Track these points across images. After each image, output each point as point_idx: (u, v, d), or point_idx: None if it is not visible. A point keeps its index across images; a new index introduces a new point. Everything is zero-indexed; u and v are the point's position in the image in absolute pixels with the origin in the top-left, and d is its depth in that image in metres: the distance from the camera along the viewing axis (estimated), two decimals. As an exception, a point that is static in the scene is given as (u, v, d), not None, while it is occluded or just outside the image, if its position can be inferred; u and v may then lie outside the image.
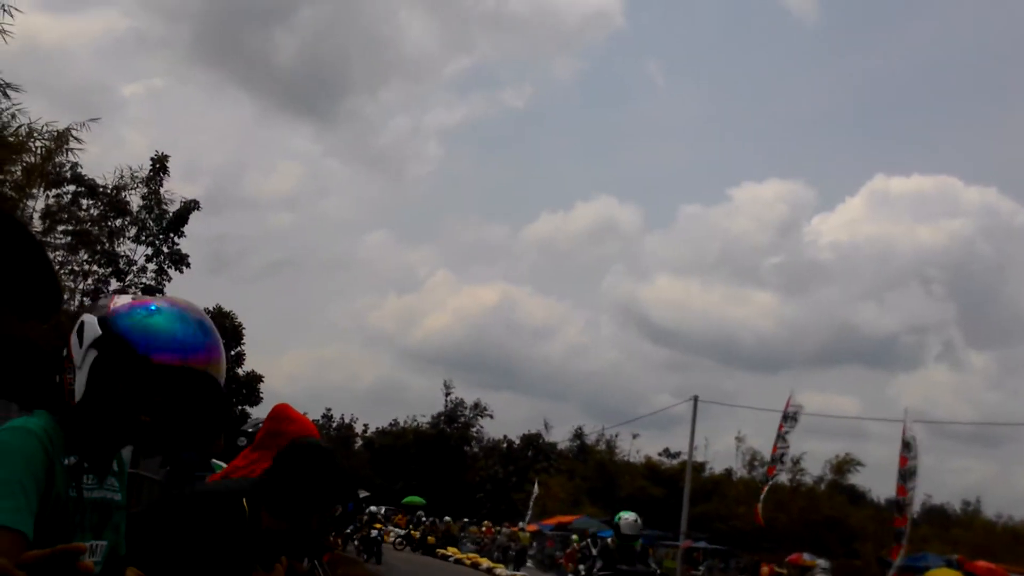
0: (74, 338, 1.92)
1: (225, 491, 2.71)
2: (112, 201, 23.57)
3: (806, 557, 30.57)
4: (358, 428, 73.26)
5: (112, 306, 1.96)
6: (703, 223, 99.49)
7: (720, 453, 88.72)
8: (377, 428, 73.59)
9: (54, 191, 21.42)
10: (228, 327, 23.59)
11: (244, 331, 25.49)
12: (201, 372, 1.94)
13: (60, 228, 22.57)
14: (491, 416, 69.49)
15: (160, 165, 24.38)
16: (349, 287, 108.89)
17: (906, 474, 22.81)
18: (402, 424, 72.42)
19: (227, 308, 25.06)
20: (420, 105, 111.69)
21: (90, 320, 1.92)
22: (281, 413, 4.74)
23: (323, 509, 2.92)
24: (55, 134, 16.92)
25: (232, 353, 26.74)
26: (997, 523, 51.62)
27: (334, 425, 71.45)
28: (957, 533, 47.75)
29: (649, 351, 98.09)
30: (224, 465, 5.24)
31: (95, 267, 23.51)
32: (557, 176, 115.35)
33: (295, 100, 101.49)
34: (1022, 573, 22.41)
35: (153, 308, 1.95)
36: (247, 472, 4.33)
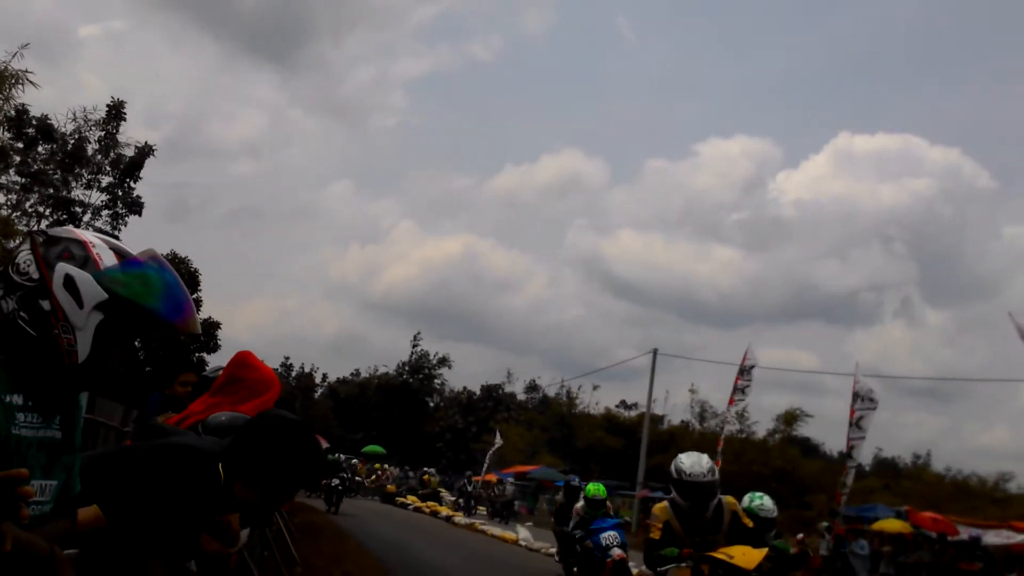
0: (65, 296, 1.92)
1: (204, 451, 2.64)
2: (66, 145, 23.06)
3: (759, 506, 31.05)
4: (318, 378, 73.12)
5: (93, 256, 1.95)
6: (668, 178, 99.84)
7: (678, 406, 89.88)
8: (338, 378, 73.57)
9: (6, 132, 20.88)
10: (184, 272, 23.27)
11: (201, 277, 25.16)
12: (190, 331, 2.10)
13: (12, 169, 22.07)
14: (449, 366, 69.77)
15: (116, 112, 23.82)
16: (311, 237, 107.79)
17: (853, 425, 23.46)
18: (364, 375, 72.52)
19: (183, 254, 24.68)
20: (386, 54, 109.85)
21: (84, 278, 1.92)
22: (243, 360, 4.68)
23: (300, 487, 2.86)
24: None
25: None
26: (945, 476, 53.13)
27: (293, 374, 71.21)
28: (907, 485, 49.03)
29: (611, 305, 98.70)
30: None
31: (48, 210, 23.02)
32: (523, 129, 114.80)
33: (258, 46, 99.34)
34: (967, 523, 23.15)
35: (144, 266, 1.99)
36: (203, 416, 4.26)
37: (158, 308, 2.00)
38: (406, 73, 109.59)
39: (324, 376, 73.50)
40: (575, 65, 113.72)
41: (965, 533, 18.14)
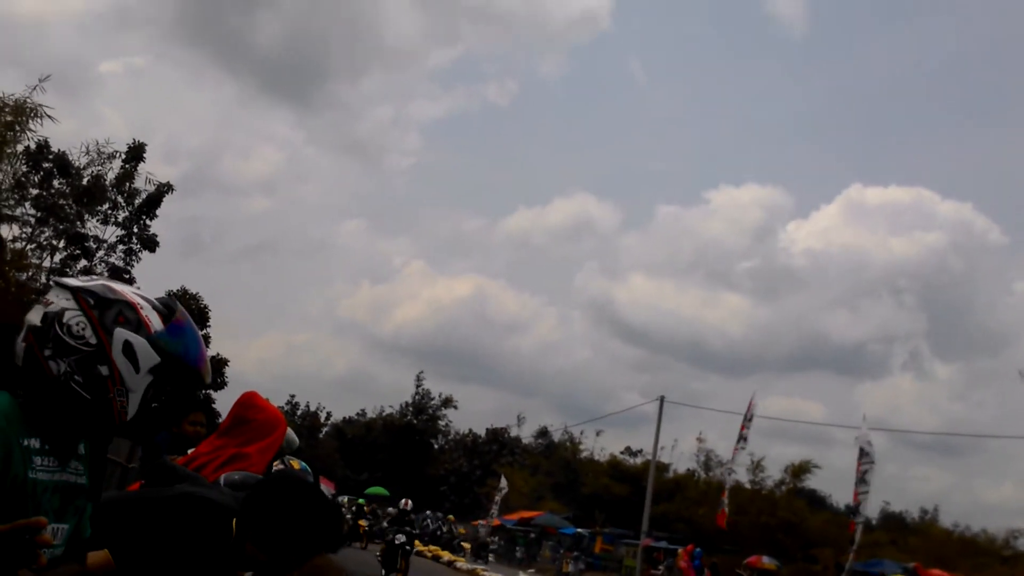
0: (123, 361, 2.00)
1: (221, 505, 2.62)
2: (81, 179, 23.36)
3: (765, 560, 30.86)
4: (324, 416, 72.96)
5: (144, 319, 2.05)
6: (679, 224, 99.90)
7: (685, 454, 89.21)
8: (344, 417, 73.37)
9: (23, 165, 21.19)
10: (194, 309, 23.39)
11: (210, 314, 25.32)
12: (207, 379, 2.23)
13: (28, 202, 22.34)
14: (455, 407, 69.57)
15: (136, 153, 24.19)
16: (323, 275, 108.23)
17: (859, 480, 23.30)
18: (370, 414, 72.34)
19: (193, 290, 24.90)
20: (402, 95, 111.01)
21: (141, 344, 2.02)
22: (248, 401, 4.70)
23: (310, 552, 2.83)
24: (15, 103, 16.73)
25: (199, 336, 26.67)
26: (953, 532, 52.43)
27: (299, 412, 71.07)
28: (913, 541, 48.40)
29: (620, 350, 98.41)
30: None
31: (61, 243, 23.27)
32: (536, 172, 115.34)
33: (276, 84, 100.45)
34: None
35: (185, 326, 2.12)
36: (212, 458, 4.29)
37: (197, 366, 2.13)
38: (422, 114, 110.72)
39: (329, 415, 73.42)
40: (588, 109, 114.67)
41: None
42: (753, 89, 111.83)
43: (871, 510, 58.26)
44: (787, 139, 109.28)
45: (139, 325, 2.03)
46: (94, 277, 2.16)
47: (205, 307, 24.72)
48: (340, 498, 33.79)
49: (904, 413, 78.97)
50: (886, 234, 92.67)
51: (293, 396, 72.27)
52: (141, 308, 2.05)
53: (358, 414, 73.15)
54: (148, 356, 2.01)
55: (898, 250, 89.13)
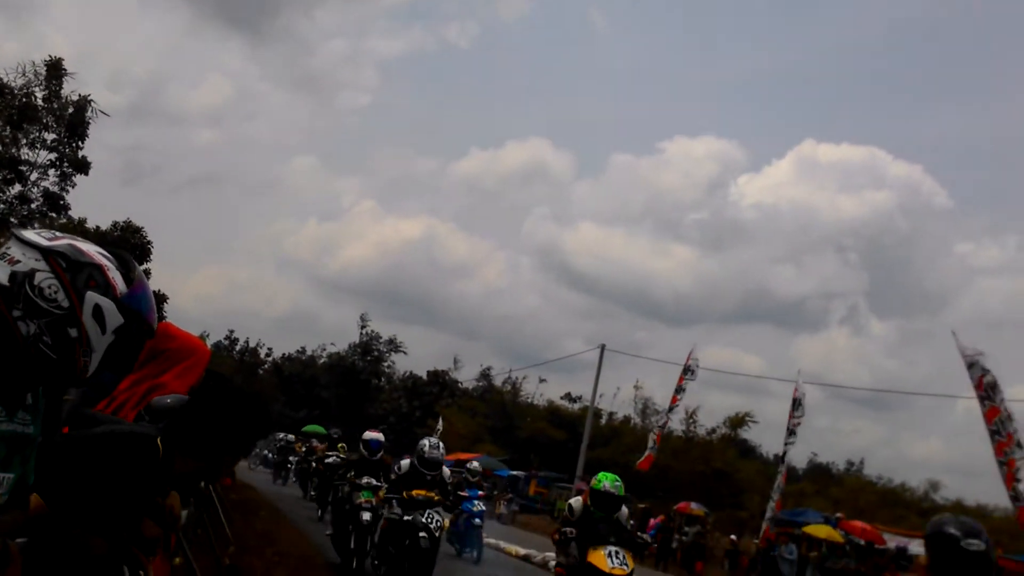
0: (92, 324, 2.05)
1: (142, 434, 2.73)
2: (15, 101, 22.50)
3: (693, 506, 31.60)
4: (264, 353, 72.34)
5: (111, 281, 2.09)
6: (632, 174, 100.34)
7: (624, 401, 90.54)
8: (284, 354, 72.90)
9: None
10: (137, 244, 22.87)
11: (152, 248, 24.71)
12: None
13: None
14: (405, 352, 69.52)
15: (55, 70, 23.29)
16: (269, 211, 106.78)
17: (788, 432, 23.92)
18: (311, 353, 71.91)
19: (138, 223, 24.19)
20: (359, 30, 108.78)
21: (109, 307, 2.07)
22: (162, 332, 4.60)
23: (243, 450, 2.95)
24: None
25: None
26: (876, 484, 54.31)
27: (237, 348, 70.38)
28: (836, 492, 50.01)
29: (566, 297, 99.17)
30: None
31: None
32: (492, 115, 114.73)
33: (230, 11, 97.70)
34: (894, 532, 23.70)
35: (145, 287, 2.19)
36: (129, 396, 4.21)
37: (153, 323, 2.20)
38: (379, 51, 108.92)
39: (270, 352, 72.84)
40: (547, 55, 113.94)
41: (892, 542, 18.59)
42: (713, 43, 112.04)
43: (799, 460, 60.12)
44: (744, 93, 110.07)
45: (107, 288, 2.08)
46: (57, 235, 2.17)
47: (148, 242, 24.09)
48: (277, 435, 33.93)
49: (839, 368, 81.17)
50: (835, 191, 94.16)
51: (232, 332, 71.53)
52: (108, 270, 2.10)
53: (298, 351, 72.76)
54: (114, 318, 2.08)
55: (846, 208, 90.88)
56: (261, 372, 69.11)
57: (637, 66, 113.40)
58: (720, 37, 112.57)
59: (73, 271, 2.05)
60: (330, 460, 18.42)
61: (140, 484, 2.66)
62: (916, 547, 21.98)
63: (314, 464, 22.24)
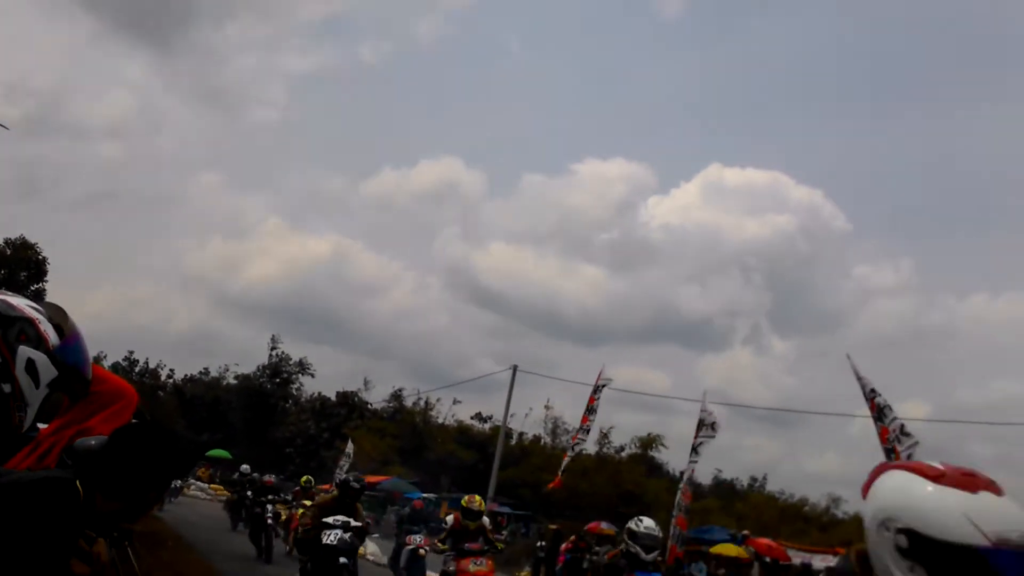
0: (25, 378, 2.01)
1: (57, 478, 2.66)
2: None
3: (604, 526, 31.85)
4: (165, 374, 70.22)
5: (43, 334, 2.04)
6: (544, 194, 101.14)
7: (536, 421, 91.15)
8: (186, 375, 70.90)
9: None
10: (32, 261, 22.05)
11: (48, 265, 23.89)
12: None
13: None
14: (312, 375, 68.41)
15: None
16: (172, 227, 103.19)
17: (692, 450, 24.45)
18: (214, 374, 70.16)
19: (33, 239, 23.34)
20: (269, 46, 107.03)
21: (42, 361, 2.02)
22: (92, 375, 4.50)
23: (163, 487, 2.93)
24: None
25: (32, 289, 25.03)
26: (778, 499, 55.84)
27: (136, 369, 68.13)
28: (740, 507, 51.25)
29: (476, 316, 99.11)
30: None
31: None
32: (405, 134, 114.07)
33: (136, 23, 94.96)
34: (797, 548, 24.41)
35: (79, 339, 2.20)
36: (55, 441, 4.10)
37: (88, 376, 2.29)
38: (289, 67, 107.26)
39: (171, 373, 70.77)
40: (461, 75, 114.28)
41: (797, 559, 19.18)
42: (625, 66, 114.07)
43: (704, 477, 61.38)
44: (654, 117, 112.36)
45: (39, 341, 2.06)
46: None
47: (43, 258, 23.26)
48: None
49: (741, 385, 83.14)
50: (740, 214, 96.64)
51: (132, 352, 69.23)
52: (39, 323, 2.11)
53: (201, 373, 70.92)
54: (48, 371, 2.06)
55: (750, 230, 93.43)
56: (161, 394, 67.04)
57: (549, 87, 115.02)
58: (631, 61, 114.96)
59: (4, 326, 2.01)
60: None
61: (61, 528, 2.59)
62: (819, 562, 22.72)
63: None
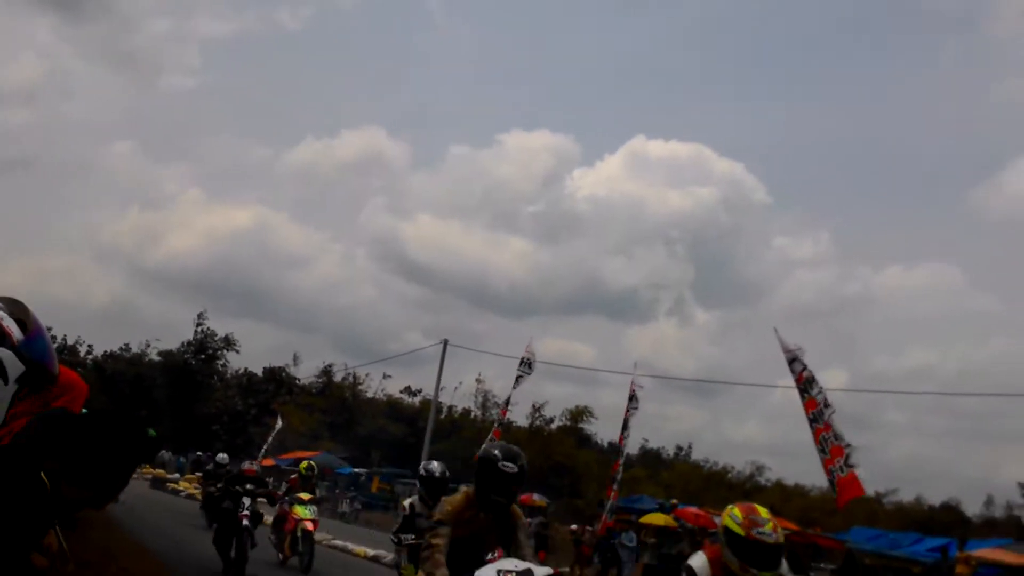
0: None
1: (22, 466, 2.64)
2: None
3: (536, 498, 32.35)
4: (84, 351, 68.35)
5: (6, 329, 1.98)
6: (470, 165, 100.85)
7: (465, 394, 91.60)
8: (106, 352, 69.13)
9: None
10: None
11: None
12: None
13: None
14: (238, 351, 67.30)
15: None
16: (87, 198, 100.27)
17: (624, 424, 24.95)
18: (135, 350, 68.58)
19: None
20: (184, 9, 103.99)
21: (8, 357, 1.99)
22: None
23: (130, 472, 2.91)
24: None
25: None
26: (703, 468, 57.29)
27: (55, 346, 66.07)
28: (667, 476, 52.48)
29: (404, 289, 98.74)
30: None
31: None
32: (327, 103, 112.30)
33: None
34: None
35: (42, 333, 2.01)
36: (6, 432, 4.04)
37: (54, 370, 2.24)
38: (206, 32, 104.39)
39: (91, 349, 68.94)
40: (384, 42, 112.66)
41: (722, 526, 19.77)
42: (550, 38, 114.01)
43: (632, 447, 62.45)
44: (578, 88, 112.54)
45: (3, 337, 2.06)
46: None
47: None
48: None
49: (666, 356, 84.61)
50: (664, 186, 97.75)
51: (49, 328, 66.92)
52: (2, 320, 2.01)
53: (122, 348, 69.27)
54: (15, 367, 2.05)
55: (674, 202, 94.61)
56: (81, 371, 65.19)
57: (475, 57, 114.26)
58: (555, 31, 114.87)
59: None
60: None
61: (24, 516, 2.60)
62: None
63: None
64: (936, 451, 73.93)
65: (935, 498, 51.41)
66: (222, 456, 20.97)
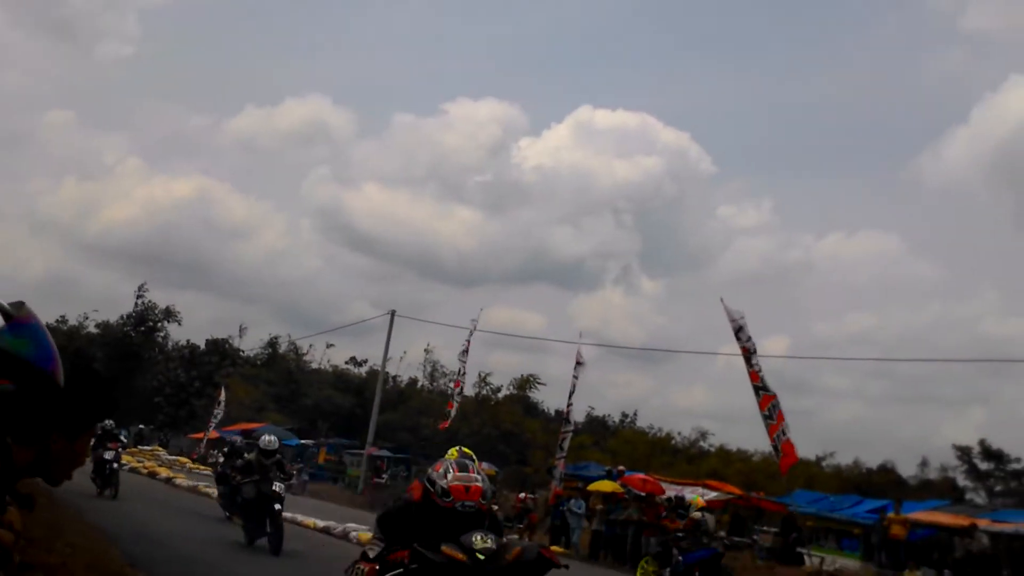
0: None
1: None
2: None
3: (485, 466, 32.49)
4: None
5: None
6: (416, 134, 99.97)
7: (411, 364, 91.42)
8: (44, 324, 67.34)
9: None
10: None
11: None
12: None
13: None
14: (179, 323, 66.20)
15: None
16: (20, 168, 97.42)
17: (571, 392, 25.28)
18: (73, 322, 67.09)
19: None
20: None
21: None
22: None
23: (85, 429, 2.65)
24: None
25: None
26: (649, 434, 58.06)
27: None
28: (613, 443, 53.07)
29: (349, 259, 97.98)
30: None
31: None
32: (268, 70, 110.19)
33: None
34: (669, 482, 25.56)
35: (30, 326, 1.91)
36: None
37: (48, 367, 2.03)
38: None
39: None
40: (328, 10, 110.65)
41: (670, 492, 20.10)
42: (496, 5, 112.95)
43: (577, 414, 63.07)
44: (524, 56, 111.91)
45: None
46: None
47: None
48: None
49: (613, 324, 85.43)
50: (611, 156, 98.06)
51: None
52: None
53: (59, 321, 67.66)
54: None
55: (620, 172, 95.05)
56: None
57: (419, 24, 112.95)
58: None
59: None
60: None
61: None
62: (688, 494, 23.89)
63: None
64: (874, 415, 76.00)
65: (872, 461, 52.92)
66: (269, 439, 15.24)
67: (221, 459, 21.44)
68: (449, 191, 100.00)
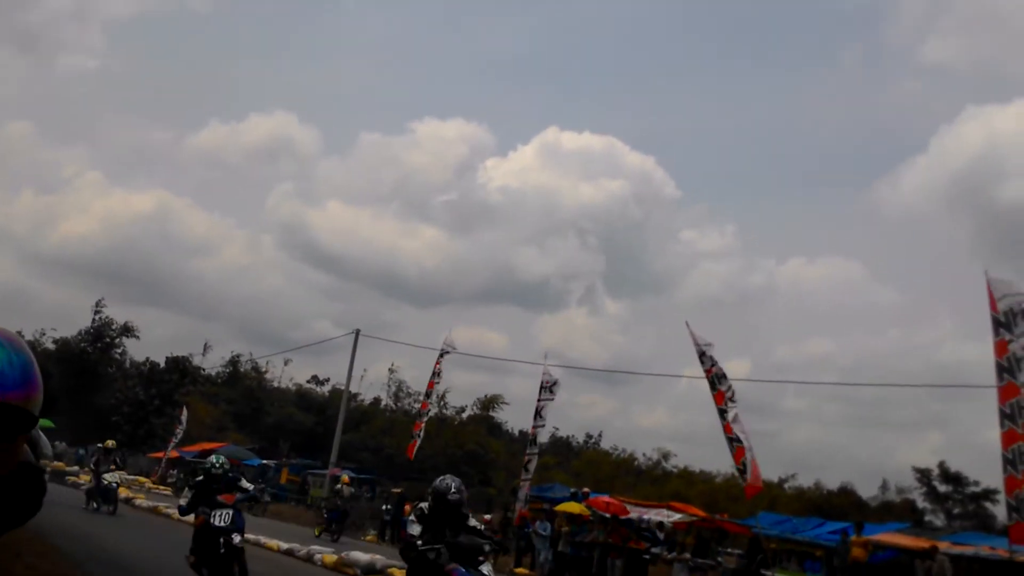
0: None
1: None
2: None
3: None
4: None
5: None
6: (382, 153, 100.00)
7: (374, 383, 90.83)
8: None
9: None
10: None
11: None
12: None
13: None
14: (137, 337, 65.22)
15: None
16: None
17: (536, 414, 25.24)
18: (29, 337, 65.74)
19: None
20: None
21: None
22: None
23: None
24: None
25: None
26: (613, 455, 58.15)
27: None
28: (577, 464, 53.10)
29: (312, 277, 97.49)
30: None
31: None
32: (233, 86, 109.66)
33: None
34: (633, 503, 25.64)
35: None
36: None
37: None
38: (108, 12, 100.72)
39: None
40: (296, 27, 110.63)
41: (634, 514, 20.19)
42: (465, 25, 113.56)
43: (542, 435, 63.09)
44: (492, 78, 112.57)
45: None
46: None
47: None
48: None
49: (576, 345, 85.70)
50: (577, 178, 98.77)
51: (-61, 319, 64.04)
52: None
53: (14, 337, 66.35)
54: None
55: (586, 194, 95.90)
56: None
57: (387, 43, 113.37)
58: (470, 18, 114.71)
59: None
60: None
61: None
62: (652, 516, 23.99)
63: None
64: (834, 437, 76.87)
65: (832, 483, 53.47)
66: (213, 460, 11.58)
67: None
68: (414, 210, 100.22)
